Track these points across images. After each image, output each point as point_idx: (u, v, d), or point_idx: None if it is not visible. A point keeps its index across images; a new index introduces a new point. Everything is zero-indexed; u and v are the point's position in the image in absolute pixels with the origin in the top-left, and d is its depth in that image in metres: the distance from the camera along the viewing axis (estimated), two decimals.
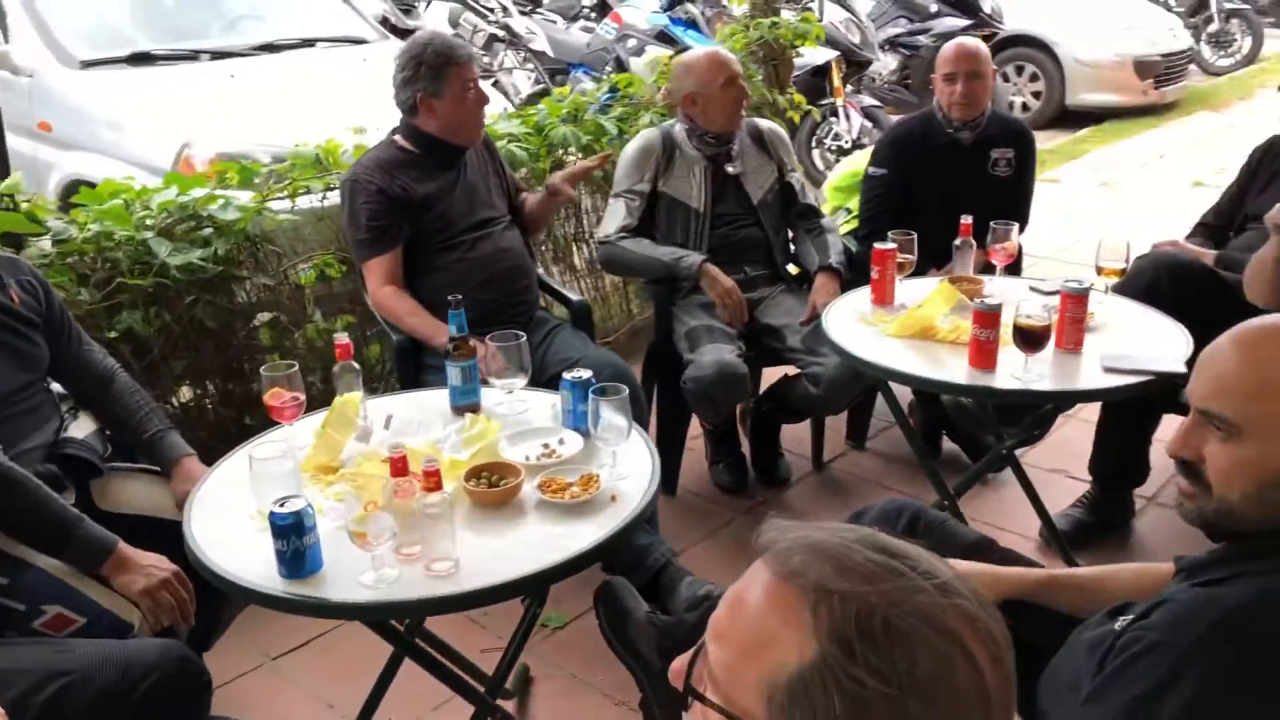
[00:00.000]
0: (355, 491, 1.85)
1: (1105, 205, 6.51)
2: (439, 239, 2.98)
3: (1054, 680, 1.45)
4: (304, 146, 3.40)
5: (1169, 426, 2.98)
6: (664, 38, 6.58)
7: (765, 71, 4.41)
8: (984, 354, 2.45)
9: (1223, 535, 1.32)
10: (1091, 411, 3.24)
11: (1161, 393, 2.54)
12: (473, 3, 8.59)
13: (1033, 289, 2.89)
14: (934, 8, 8.10)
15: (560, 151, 3.84)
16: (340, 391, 2.23)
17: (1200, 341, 2.54)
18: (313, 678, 2.68)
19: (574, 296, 3.25)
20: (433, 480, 1.79)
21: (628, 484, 2.01)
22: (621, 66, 6.42)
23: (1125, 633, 1.26)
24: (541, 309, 3.22)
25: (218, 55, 4.91)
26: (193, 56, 4.88)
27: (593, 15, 9.00)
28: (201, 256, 2.94)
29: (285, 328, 3.24)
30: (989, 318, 2.42)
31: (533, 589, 1.86)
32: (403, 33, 6.51)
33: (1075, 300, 2.51)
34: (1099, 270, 2.82)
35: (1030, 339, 2.39)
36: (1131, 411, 3.01)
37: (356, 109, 3.78)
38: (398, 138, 3.03)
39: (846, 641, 0.77)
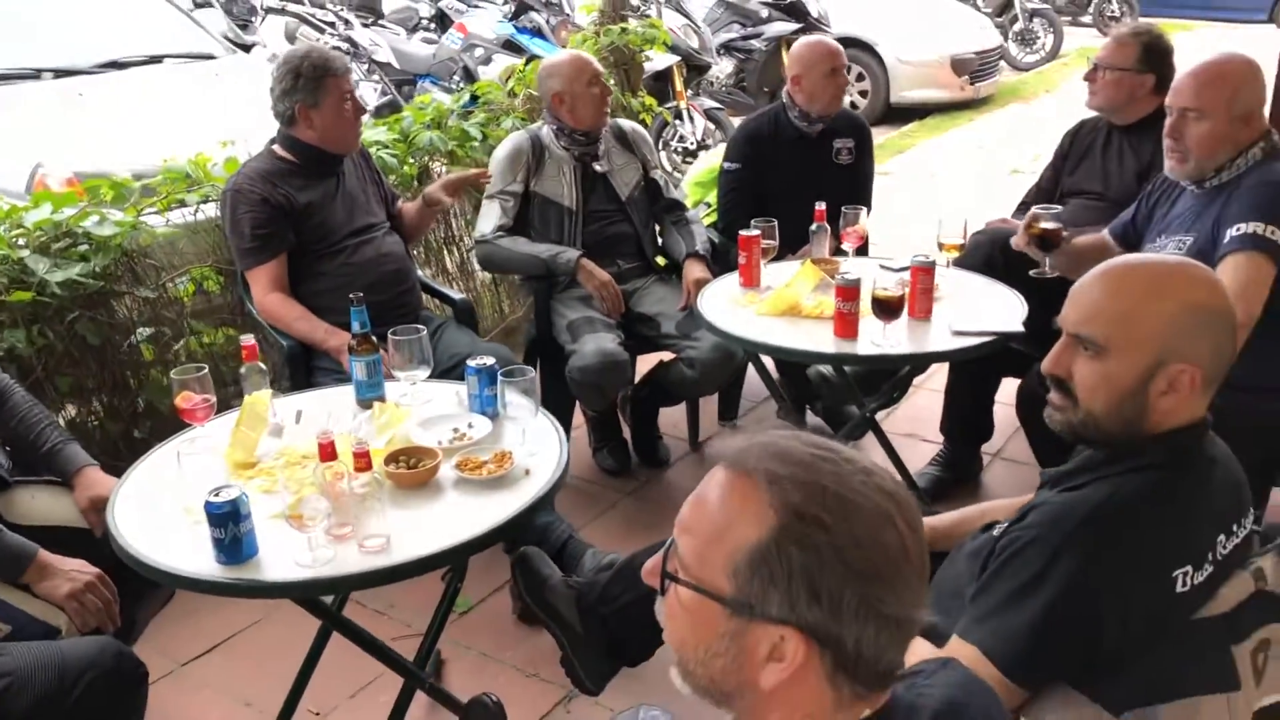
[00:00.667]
0: (285, 481, 1.94)
1: (934, 194, 6.96)
2: (322, 245, 3.06)
3: (939, 593, 1.67)
4: (173, 161, 3.41)
5: (1007, 389, 3.31)
6: (511, 46, 6.71)
7: (617, 76, 4.60)
8: (847, 324, 2.69)
9: (1085, 442, 1.56)
10: (939, 380, 3.55)
11: (1002, 356, 2.85)
12: (309, 17, 8.52)
13: (882, 267, 3.15)
14: (765, 13, 8.47)
15: (426, 158, 3.93)
16: (248, 391, 2.30)
17: (1032, 305, 2.87)
18: (224, 679, 2.72)
19: (456, 295, 3.37)
20: (363, 461, 1.89)
21: (538, 460, 2.16)
22: (470, 75, 6.52)
23: (1004, 536, 1.49)
24: (425, 309, 3.33)
25: (61, 73, 4.80)
26: (35, 75, 4.76)
27: (432, 26, 9.04)
28: (81, 273, 2.94)
29: (167, 341, 3.25)
30: (850, 291, 2.67)
31: (462, 557, 1.98)
32: (242, 48, 6.45)
33: (924, 272, 2.78)
34: (940, 246, 3.10)
35: (887, 308, 2.64)
36: (975, 376, 3.33)
37: (213, 123, 3.78)
38: (276, 148, 3.09)
39: (799, 511, 0.95)
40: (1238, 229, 2.41)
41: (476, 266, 4.25)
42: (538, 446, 2.20)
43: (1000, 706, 1.17)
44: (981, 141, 8.38)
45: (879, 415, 3.36)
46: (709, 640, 1.00)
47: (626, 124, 3.69)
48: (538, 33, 6.81)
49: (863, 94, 9.18)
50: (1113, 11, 14.49)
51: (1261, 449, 2.06)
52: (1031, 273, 2.85)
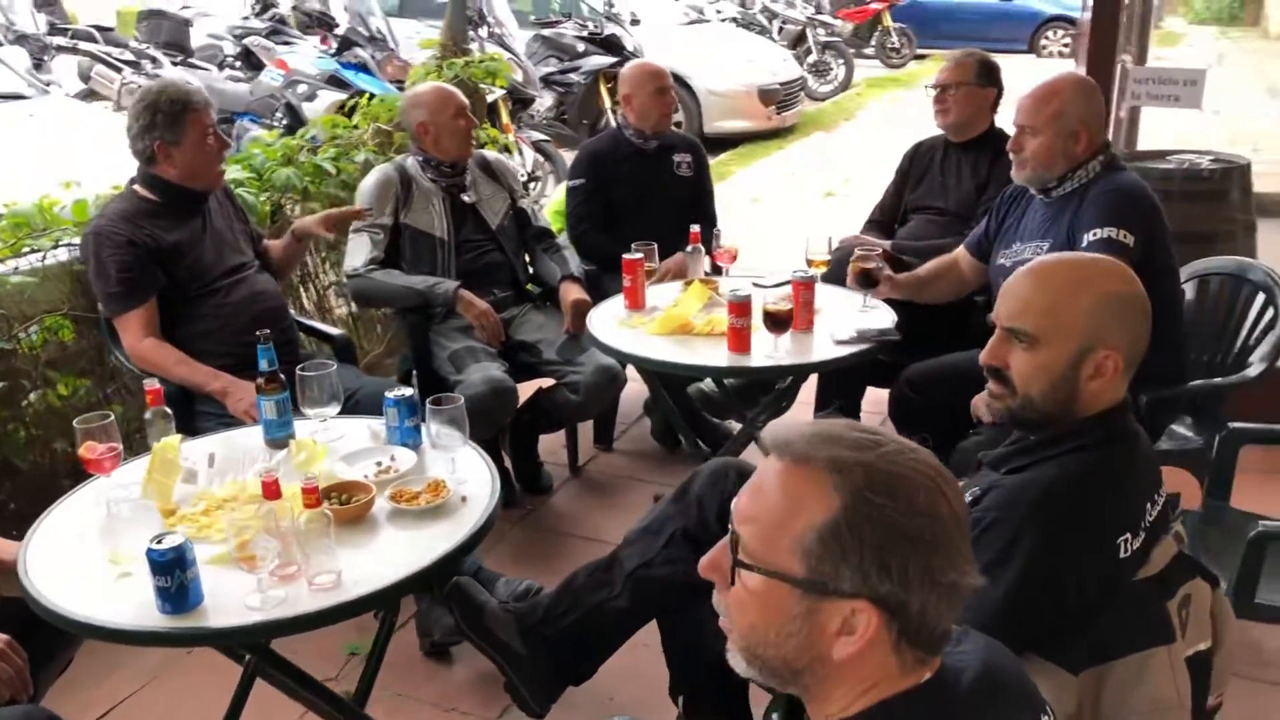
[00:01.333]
0: (227, 524, 1.87)
1: (760, 218, 7.25)
2: (195, 286, 2.96)
3: None
4: (15, 205, 3.21)
5: (871, 397, 3.51)
6: (336, 82, 6.60)
7: None
8: (740, 339, 2.80)
9: (1022, 426, 1.69)
10: (808, 393, 3.71)
11: (868, 366, 3.04)
12: (105, 56, 8.14)
13: (755, 284, 3.29)
14: (581, 47, 8.64)
15: (280, 195, 3.84)
16: (155, 437, 2.21)
17: (899, 312, 3.07)
18: None
19: (335, 331, 3.31)
20: (312, 497, 1.85)
21: (469, 486, 2.16)
22: (294, 112, 6.37)
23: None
24: (301, 348, 3.25)
25: None
26: None
27: (238, 64, 8.77)
28: None
29: (19, 393, 3.05)
30: (743, 307, 2.78)
31: (418, 585, 1.95)
32: (40, 87, 6.10)
33: (805, 286, 2.92)
34: (809, 263, 3.26)
35: (778, 322, 2.77)
36: (843, 386, 3.50)
37: (30, 165, 3.57)
38: (137, 187, 2.97)
39: (862, 491, 1.02)
40: (1094, 234, 2.65)
41: (335, 303, 4.17)
42: (466, 474, 2.20)
43: (1022, 666, 1.26)
44: (793, 168, 8.78)
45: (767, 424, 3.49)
46: (781, 622, 1.05)
47: (491, 155, 3.72)
48: (363, 68, 6.73)
49: (677, 125, 9.44)
50: (893, 44, 15.48)
51: None
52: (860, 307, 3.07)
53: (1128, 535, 1.57)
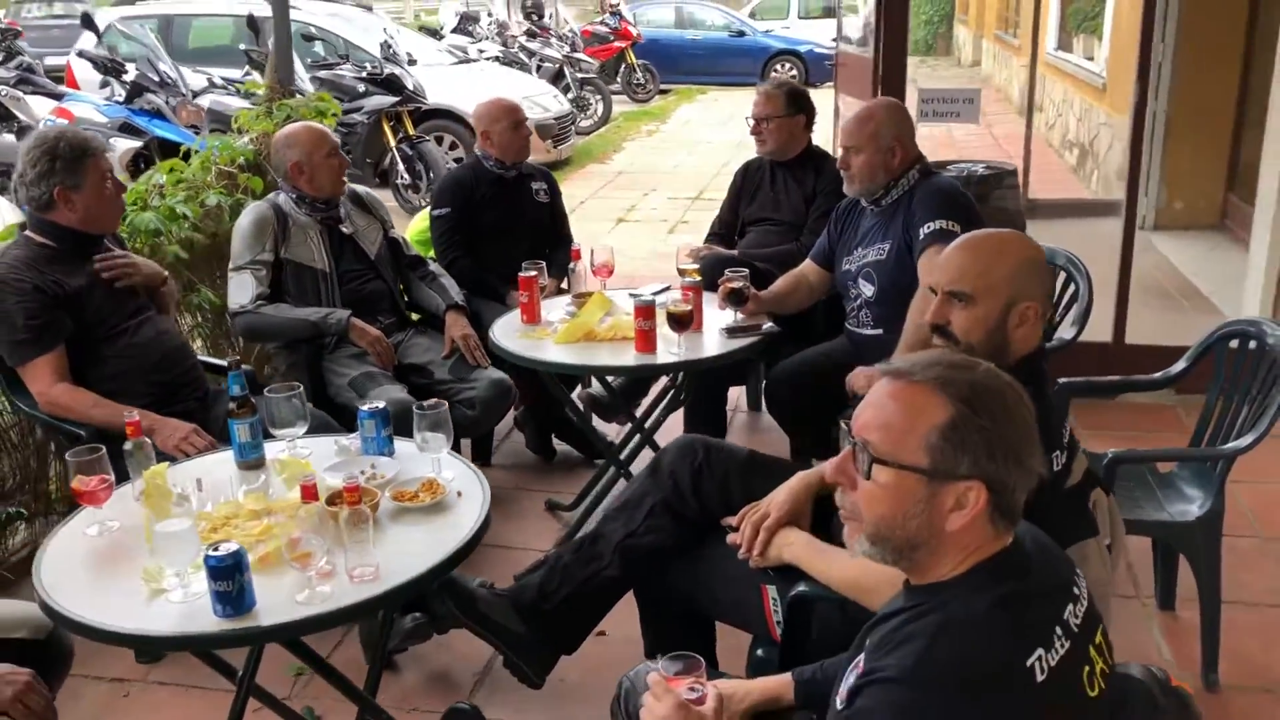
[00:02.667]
0: (271, 529, 1.98)
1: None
2: (101, 329, 2.95)
3: None
4: None
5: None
6: (129, 129, 6.39)
7: None
8: (648, 340, 3.09)
9: None
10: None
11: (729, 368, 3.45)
12: None
13: (631, 295, 3.58)
14: (362, 88, 8.68)
15: (151, 239, 3.82)
16: (137, 468, 2.26)
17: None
18: None
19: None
20: (354, 495, 1.99)
21: (460, 484, 2.34)
22: None
23: None
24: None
25: None
26: None
27: None
28: None
29: None
30: (648, 311, 3.07)
31: (445, 572, 2.10)
32: None
33: (695, 291, 3.24)
34: (681, 273, 3.58)
35: (681, 321, 3.08)
36: (711, 387, 3.83)
37: None
38: (31, 234, 2.94)
39: (967, 397, 1.34)
40: (927, 227, 3.11)
41: (199, 341, 4.15)
42: (451, 474, 2.37)
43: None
44: (581, 197, 9.15)
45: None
46: (907, 506, 1.35)
47: (360, 188, 3.84)
48: (157, 114, 6.53)
49: (458, 160, 9.64)
50: (638, 79, 16.24)
51: None
52: (728, 325, 3.33)
53: (1057, 451, 1.97)
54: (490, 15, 14.14)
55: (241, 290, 3.44)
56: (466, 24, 13.33)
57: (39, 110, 7.00)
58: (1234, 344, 2.86)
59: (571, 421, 4.00)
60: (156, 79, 6.58)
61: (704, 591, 2.32)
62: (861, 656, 1.41)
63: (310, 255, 3.52)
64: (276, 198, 3.59)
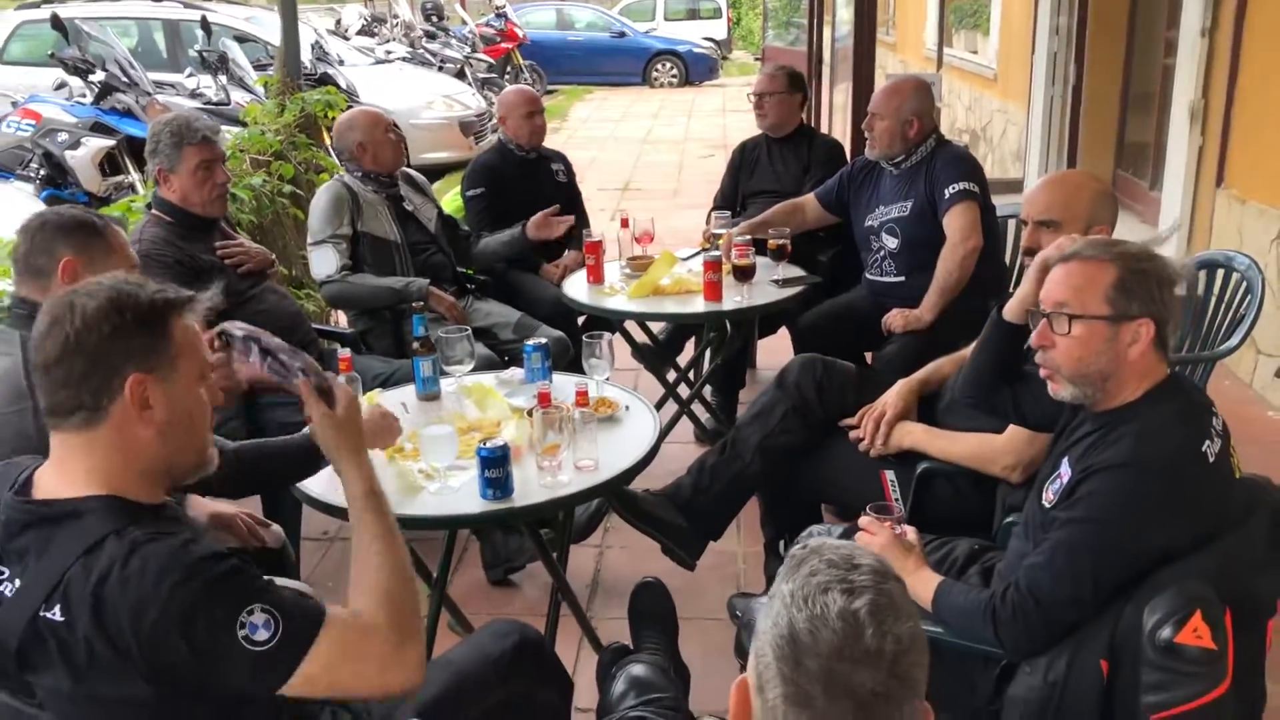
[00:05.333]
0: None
1: None
2: (234, 299, 3.23)
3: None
4: None
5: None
6: (100, 128, 6.45)
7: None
8: (715, 290, 3.56)
9: None
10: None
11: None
12: None
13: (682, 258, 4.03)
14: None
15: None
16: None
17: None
18: None
19: (346, 331, 3.68)
20: (583, 399, 2.41)
21: (626, 401, 2.77)
22: (53, 162, 6.18)
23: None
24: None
25: None
26: None
27: None
28: None
29: None
30: (715, 265, 3.54)
31: (644, 467, 2.52)
32: None
33: (746, 246, 3.71)
34: (714, 237, 4.05)
35: (745, 273, 3.56)
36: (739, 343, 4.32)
37: None
38: (156, 212, 3.19)
39: (1127, 259, 1.85)
40: (952, 188, 3.65)
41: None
42: (613, 395, 2.80)
43: None
44: None
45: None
46: (1098, 347, 1.85)
47: (411, 171, 4.19)
48: (127, 113, 6.60)
49: None
50: (526, 79, 16.60)
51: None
52: (776, 277, 3.83)
53: None
54: (396, 17, 14.29)
55: (326, 262, 3.75)
56: (374, 25, 13.47)
57: None
58: None
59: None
60: (126, 80, 6.66)
61: (830, 481, 2.80)
62: (1064, 466, 1.91)
63: (383, 229, 3.85)
64: (343, 178, 3.90)
